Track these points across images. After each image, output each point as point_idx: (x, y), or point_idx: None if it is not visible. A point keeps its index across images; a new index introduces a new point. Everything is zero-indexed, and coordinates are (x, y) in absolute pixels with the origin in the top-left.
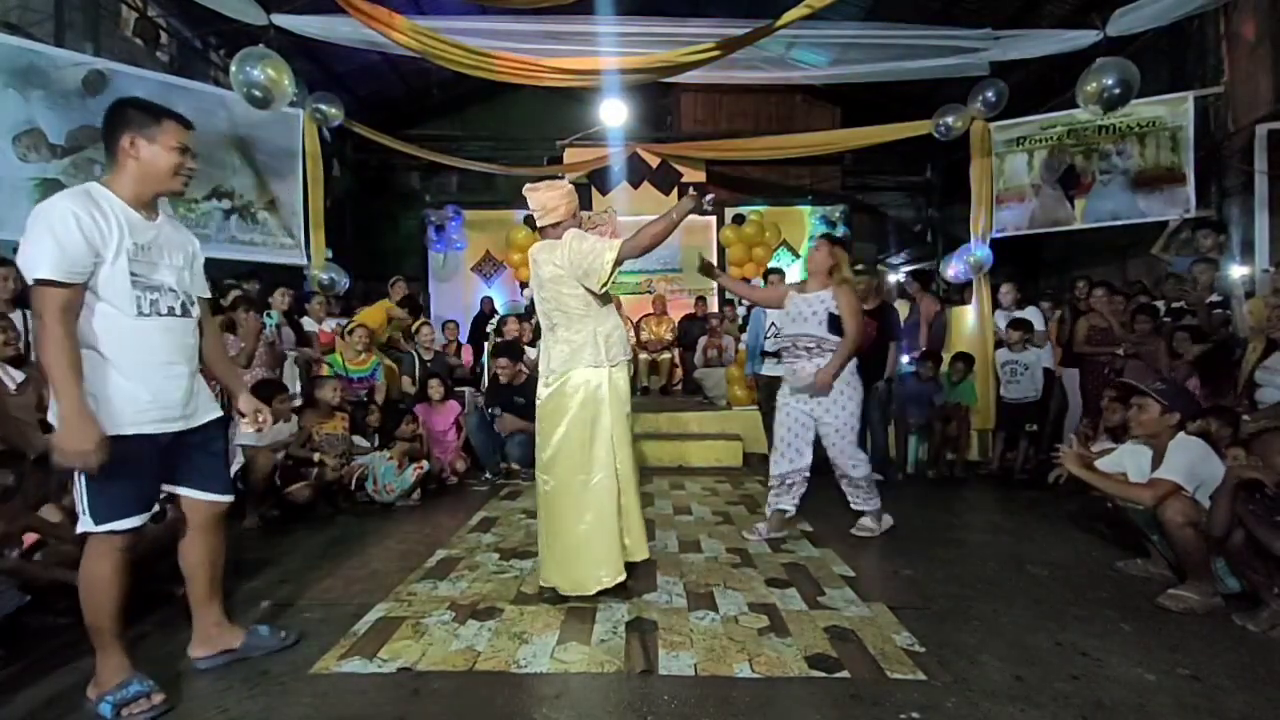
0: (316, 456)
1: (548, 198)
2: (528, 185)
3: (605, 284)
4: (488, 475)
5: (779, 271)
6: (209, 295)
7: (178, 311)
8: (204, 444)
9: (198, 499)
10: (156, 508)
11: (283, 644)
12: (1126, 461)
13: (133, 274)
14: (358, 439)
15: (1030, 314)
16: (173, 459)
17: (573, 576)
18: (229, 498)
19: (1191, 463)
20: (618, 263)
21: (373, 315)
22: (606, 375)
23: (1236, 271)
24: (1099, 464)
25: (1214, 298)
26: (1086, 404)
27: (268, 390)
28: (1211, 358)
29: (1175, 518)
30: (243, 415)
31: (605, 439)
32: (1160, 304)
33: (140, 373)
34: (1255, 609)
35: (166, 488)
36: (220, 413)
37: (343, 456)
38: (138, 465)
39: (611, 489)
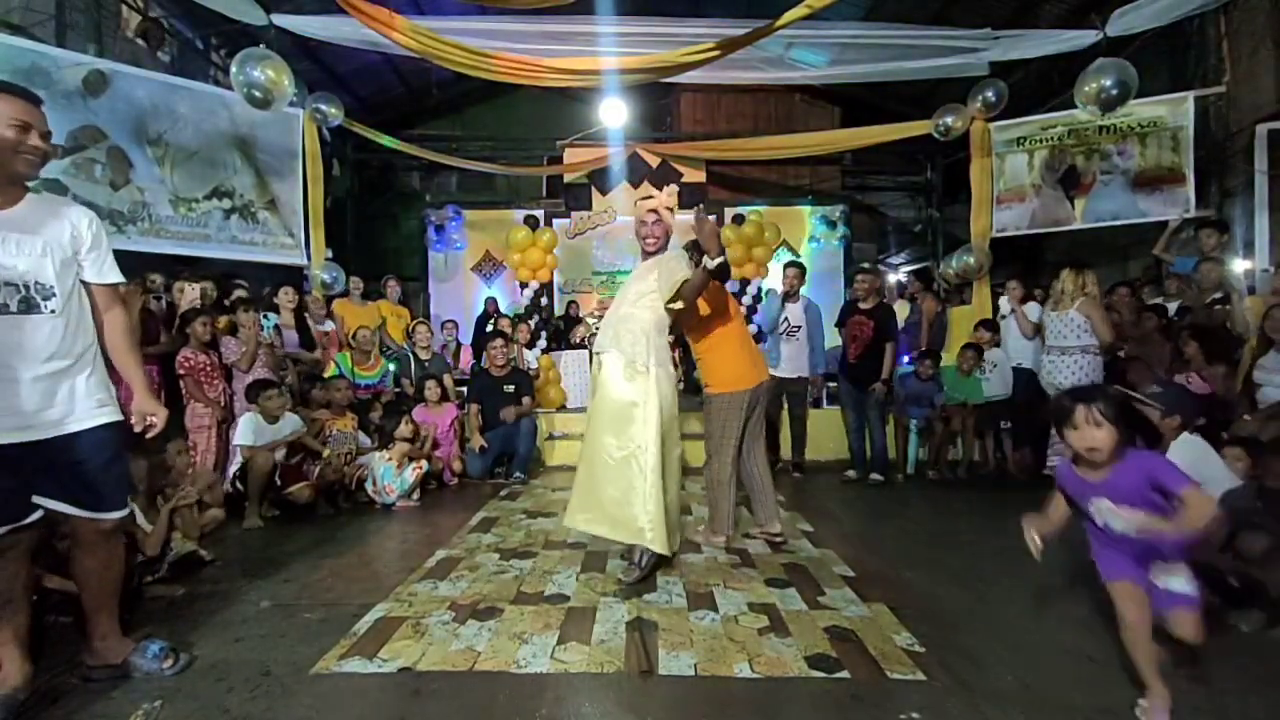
0: (325, 452)
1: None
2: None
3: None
4: (500, 469)
5: (797, 264)
6: (115, 280)
7: (13, 309)
8: (76, 454)
9: (73, 515)
10: (38, 515)
11: (162, 672)
12: None
13: None
14: (361, 435)
15: (1031, 310)
16: (38, 470)
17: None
18: (111, 515)
19: (1191, 464)
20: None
21: (364, 316)
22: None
23: (1240, 265)
24: None
25: (1217, 295)
26: None
27: (258, 389)
28: (1214, 354)
29: None
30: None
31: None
32: (1162, 302)
33: None
34: (1249, 609)
35: (41, 501)
36: (108, 419)
37: (347, 455)
38: None
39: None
